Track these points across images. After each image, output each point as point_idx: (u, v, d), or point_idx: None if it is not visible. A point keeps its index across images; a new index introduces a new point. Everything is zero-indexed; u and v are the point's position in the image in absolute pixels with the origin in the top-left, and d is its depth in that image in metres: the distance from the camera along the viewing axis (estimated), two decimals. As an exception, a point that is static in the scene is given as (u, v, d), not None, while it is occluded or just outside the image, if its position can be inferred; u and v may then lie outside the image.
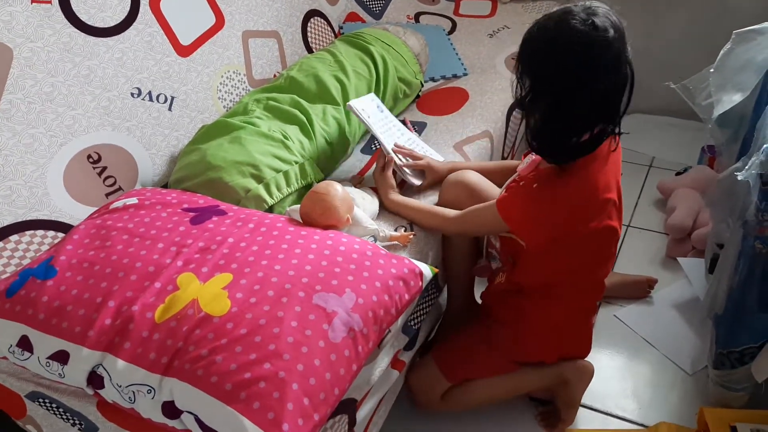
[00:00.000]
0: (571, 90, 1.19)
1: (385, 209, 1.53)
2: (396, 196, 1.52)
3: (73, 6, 1.53)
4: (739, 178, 1.32)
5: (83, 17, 1.55)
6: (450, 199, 1.53)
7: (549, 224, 1.30)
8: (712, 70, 1.66)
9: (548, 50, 1.21)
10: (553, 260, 1.37)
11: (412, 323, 1.42)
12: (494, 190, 1.50)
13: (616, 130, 1.25)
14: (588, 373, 1.53)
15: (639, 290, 1.88)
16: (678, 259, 1.99)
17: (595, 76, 1.18)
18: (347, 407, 1.17)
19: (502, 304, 1.50)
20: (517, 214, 1.32)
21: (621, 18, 1.20)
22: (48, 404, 1.20)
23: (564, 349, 1.51)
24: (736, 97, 1.58)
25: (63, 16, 1.51)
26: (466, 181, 1.53)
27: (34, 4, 1.46)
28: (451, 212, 1.45)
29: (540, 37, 1.22)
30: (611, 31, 1.16)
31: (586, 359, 1.54)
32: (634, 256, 2.05)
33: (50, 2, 1.49)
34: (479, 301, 1.64)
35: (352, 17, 2.42)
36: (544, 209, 1.29)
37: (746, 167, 1.33)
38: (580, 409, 1.57)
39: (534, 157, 1.35)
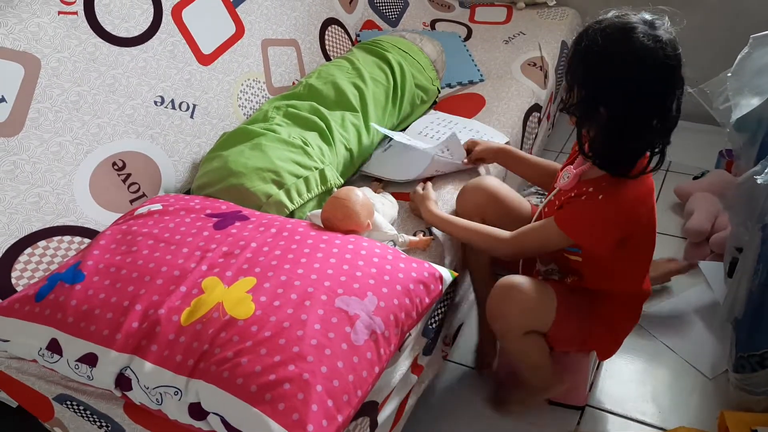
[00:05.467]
0: (639, 105, 1.18)
1: (431, 224, 1.50)
2: (440, 213, 1.47)
3: (98, 17, 1.57)
4: (758, 181, 1.32)
5: (108, 27, 1.58)
6: (470, 207, 1.51)
7: (619, 229, 1.28)
8: (729, 74, 1.66)
9: (616, 64, 1.18)
10: (618, 262, 1.35)
11: (431, 325, 1.43)
12: (515, 196, 1.49)
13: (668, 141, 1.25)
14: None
15: (662, 273, 1.86)
16: (698, 262, 1.98)
17: (664, 92, 1.18)
18: (369, 410, 1.18)
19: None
20: (584, 229, 1.29)
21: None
22: (75, 407, 1.23)
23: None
24: (754, 101, 1.58)
25: (88, 27, 1.55)
26: (487, 187, 1.51)
27: (60, 15, 1.50)
28: (503, 233, 1.39)
29: (606, 49, 1.18)
30: (676, 47, 1.18)
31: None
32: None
33: (76, 13, 1.53)
34: None
35: (368, 25, 2.44)
36: (614, 217, 1.27)
37: (765, 171, 1.34)
38: (601, 413, 1.58)
39: (574, 170, 1.32)
